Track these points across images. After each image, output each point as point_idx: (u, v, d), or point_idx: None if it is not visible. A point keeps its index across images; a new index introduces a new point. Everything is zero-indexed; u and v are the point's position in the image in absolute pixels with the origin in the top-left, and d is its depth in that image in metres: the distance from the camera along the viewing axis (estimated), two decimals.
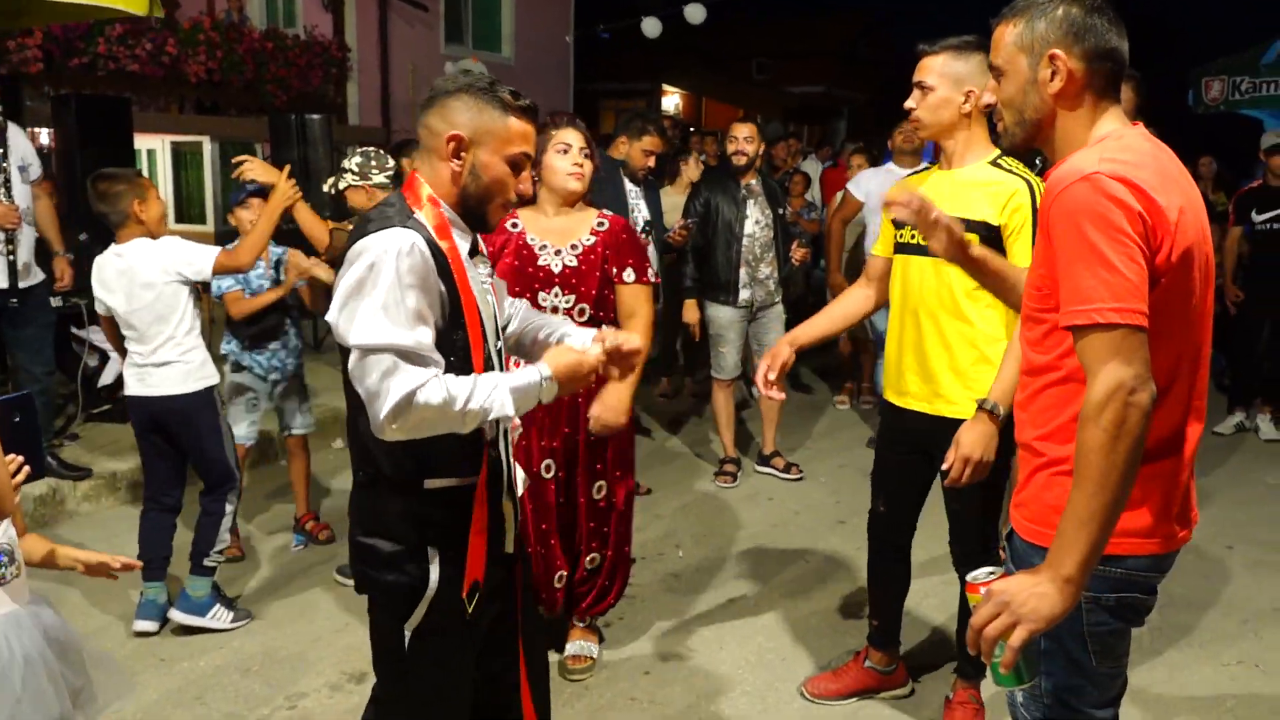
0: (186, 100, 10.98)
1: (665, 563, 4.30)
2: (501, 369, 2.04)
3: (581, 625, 3.47)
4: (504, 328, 2.18)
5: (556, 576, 3.32)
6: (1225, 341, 6.80)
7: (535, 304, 3.05)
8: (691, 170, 6.55)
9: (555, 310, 3.10)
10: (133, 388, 3.64)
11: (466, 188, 1.96)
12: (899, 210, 2.17)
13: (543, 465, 3.22)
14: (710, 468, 5.57)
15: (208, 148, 10.47)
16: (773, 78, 25.96)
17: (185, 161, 10.73)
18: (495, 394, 1.87)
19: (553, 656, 3.40)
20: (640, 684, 3.34)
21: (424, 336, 1.83)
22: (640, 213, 5.10)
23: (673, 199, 5.97)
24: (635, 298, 3.20)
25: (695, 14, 11.79)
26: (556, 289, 3.12)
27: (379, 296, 1.79)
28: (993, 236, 2.65)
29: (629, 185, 5.09)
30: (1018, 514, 1.86)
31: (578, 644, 3.43)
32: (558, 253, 3.13)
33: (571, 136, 3.11)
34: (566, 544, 3.33)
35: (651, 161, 5.13)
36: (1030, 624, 1.57)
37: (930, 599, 3.83)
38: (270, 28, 11.71)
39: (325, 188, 4.29)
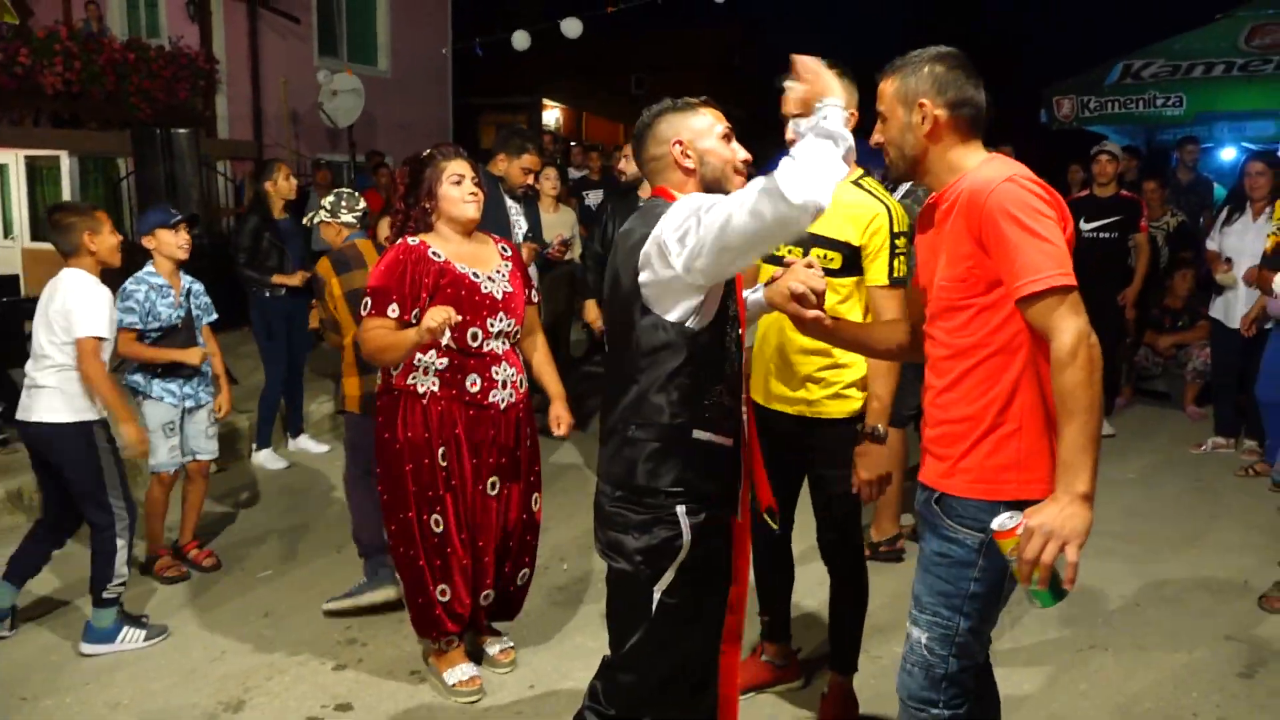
0: (43, 113, 10.50)
1: (550, 576, 4.33)
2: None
3: (489, 631, 3.58)
4: None
5: (483, 595, 3.37)
6: None
7: (485, 330, 3.17)
8: (546, 186, 6.59)
9: (501, 335, 3.22)
10: (19, 410, 3.61)
11: (704, 175, 2.30)
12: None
13: (489, 482, 3.28)
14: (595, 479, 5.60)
15: (65, 163, 10.04)
16: (651, 91, 26.22)
17: (41, 177, 10.24)
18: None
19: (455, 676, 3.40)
20: (525, 698, 3.36)
21: None
22: (519, 228, 5.15)
23: (548, 216, 6.04)
24: (533, 317, 3.51)
25: (571, 28, 11.84)
26: (501, 314, 3.22)
27: None
28: (854, 256, 2.82)
29: (509, 201, 5.13)
30: (959, 480, 2.10)
31: (498, 640, 3.57)
32: (490, 279, 3.23)
33: (462, 167, 3.23)
34: (498, 562, 3.39)
35: (531, 179, 5.19)
36: (1077, 540, 1.86)
37: (814, 593, 3.94)
38: (132, 38, 11.30)
39: (305, 221, 4.68)
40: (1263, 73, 9.40)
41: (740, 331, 2.36)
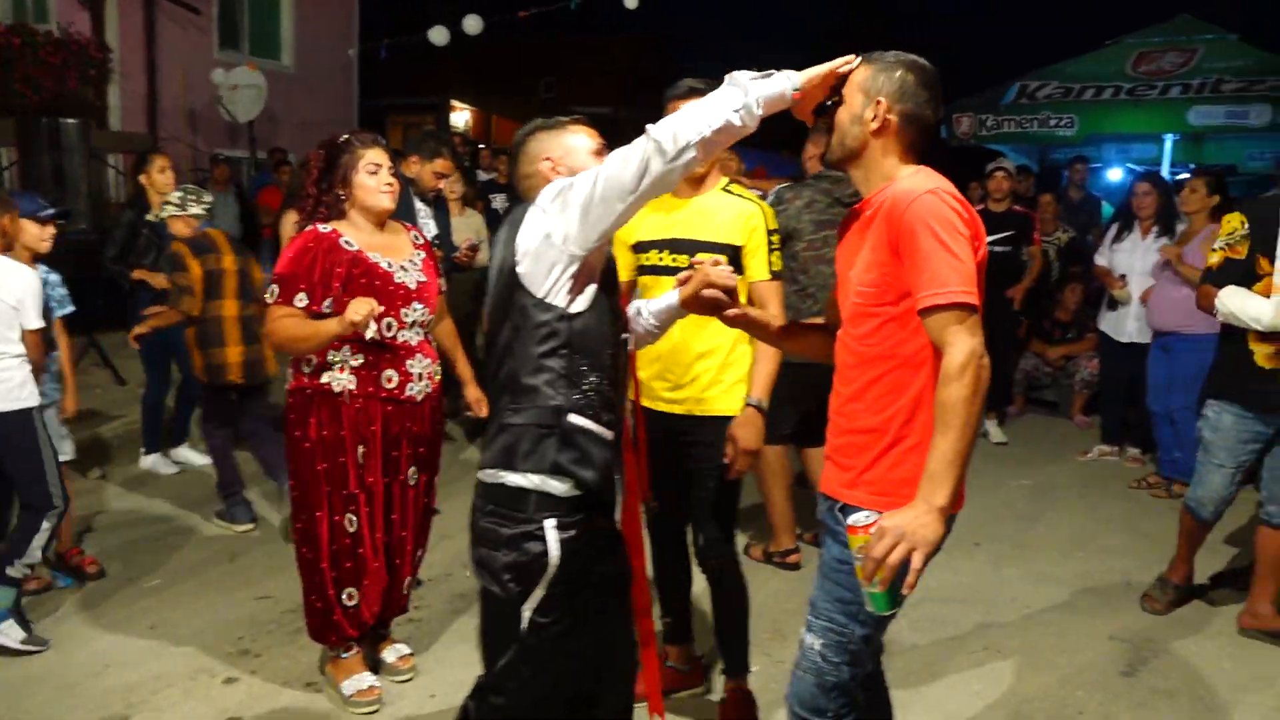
0: None
1: (452, 584, 4.26)
2: None
3: (386, 634, 3.52)
4: None
5: (407, 583, 3.38)
6: None
7: (399, 320, 3.15)
8: (449, 189, 6.49)
9: (415, 325, 3.19)
10: None
11: None
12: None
13: (409, 473, 3.25)
14: None
15: None
16: (560, 96, 26.20)
17: None
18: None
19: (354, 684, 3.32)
20: (426, 708, 3.30)
21: None
22: (429, 231, 5.07)
23: (455, 220, 5.97)
24: (443, 304, 3.54)
25: (473, 25, 11.73)
26: (415, 303, 3.19)
27: None
28: (736, 256, 2.97)
29: (418, 204, 5.06)
30: (861, 491, 2.12)
31: (392, 648, 3.51)
32: (404, 269, 3.19)
33: (380, 156, 3.18)
34: (414, 550, 3.38)
35: (442, 183, 5.13)
36: (924, 548, 1.88)
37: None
38: (18, 23, 10.80)
39: (150, 217, 5.20)
40: (1148, 98, 9.83)
41: (626, 334, 2.36)
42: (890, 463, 2.09)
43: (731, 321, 2.43)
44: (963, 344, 1.91)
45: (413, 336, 3.19)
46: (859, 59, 2.13)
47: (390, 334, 3.13)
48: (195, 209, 4.90)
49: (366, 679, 3.30)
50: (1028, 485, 5.86)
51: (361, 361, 3.11)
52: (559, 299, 2.15)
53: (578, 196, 2.08)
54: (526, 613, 2.16)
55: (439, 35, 11.91)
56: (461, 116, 22.24)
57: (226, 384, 4.82)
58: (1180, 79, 9.77)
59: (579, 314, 2.17)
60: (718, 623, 3.23)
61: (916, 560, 1.88)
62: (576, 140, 2.34)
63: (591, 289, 2.19)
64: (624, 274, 3.18)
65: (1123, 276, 6.09)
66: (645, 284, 3.11)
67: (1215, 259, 3.77)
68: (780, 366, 3.04)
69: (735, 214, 3.00)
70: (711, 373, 3.03)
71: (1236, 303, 3.64)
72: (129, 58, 12.01)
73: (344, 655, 3.31)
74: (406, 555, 3.34)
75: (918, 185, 2.03)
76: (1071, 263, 7.96)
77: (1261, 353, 3.66)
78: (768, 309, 2.92)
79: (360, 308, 2.89)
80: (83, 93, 11.30)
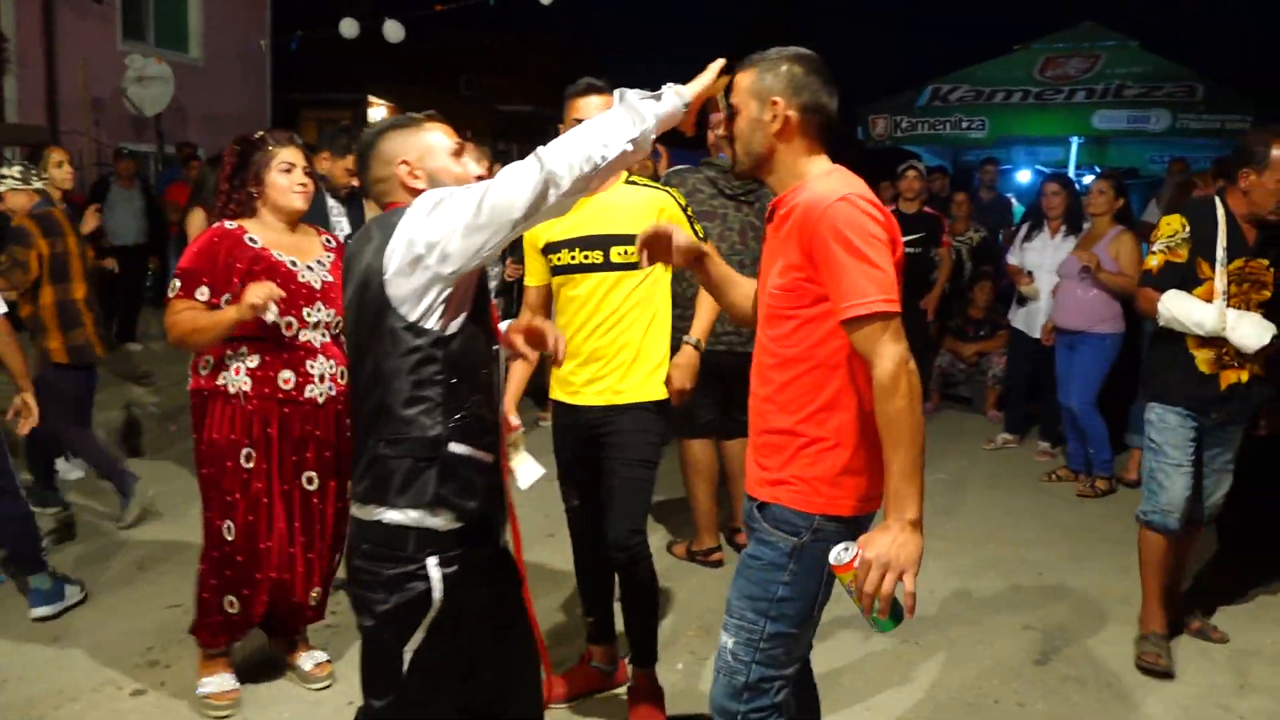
0: None
1: None
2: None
3: (301, 640, 3.44)
4: None
5: (313, 594, 3.27)
6: None
7: (301, 320, 3.07)
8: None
9: (319, 325, 3.12)
10: None
11: None
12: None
13: (304, 477, 3.17)
14: None
15: None
16: (481, 94, 25.97)
17: None
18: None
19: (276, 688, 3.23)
20: (345, 715, 3.22)
21: None
22: (342, 229, 4.98)
23: (371, 215, 5.87)
24: None
25: (394, 32, 11.50)
26: (319, 304, 3.13)
27: None
28: None
29: (330, 201, 4.96)
30: (780, 490, 2.10)
31: (312, 654, 3.42)
32: (309, 268, 3.14)
33: (294, 155, 3.12)
34: (321, 559, 3.29)
35: (355, 180, 5.03)
36: (911, 569, 1.87)
37: None
38: None
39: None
40: (1054, 102, 10.15)
41: (498, 348, 2.26)
42: (805, 462, 2.08)
43: (698, 261, 2.36)
44: (889, 353, 1.89)
45: (315, 337, 3.13)
46: (724, 62, 2.10)
47: (291, 333, 3.07)
48: (37, 184, 4.86)
49: (228, 680, 3.25)
50: (943, 479, 6.00)
51: (257, 362, 3.05)
52: (433, 323, 2.02)
53: (458, 215, 1.94)
54: (408, 654, 2.06)
55: (349, 28, 11.63)
56: (379, 113, 21.88)
57: (92, 363, 4.87)
58: (1085, 84, 10.10)
59: (454, 335, 2.05)
60: (625, 612, 3.21)
61: (908, 582, 1.87)
62: (434, 139, 2.20)
63: (466, 307, 2.08)
64: (538, 279, 3.20)
65: (1030, 273, 6.27)
66: (559, 283, 3.12)
67: (1155, 261, 3.67)
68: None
69: (644, 202, 3.07)
70: (627, 363, 3.07)
71: (1180, 307, 3.57)
72: (26, 46, 11.54)
73: (210, 653, 3.26)
74: (306, 562, 3.23)
75: (831, 190, 1.99)
76: (983, 262, 8.16)
77: (1202, 358, 3.60)
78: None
79: (259, 290, 2.83)
80: None
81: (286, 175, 3.09)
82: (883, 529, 1.90)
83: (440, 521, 2.04)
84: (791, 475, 2.09)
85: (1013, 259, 6.52)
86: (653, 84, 2.05)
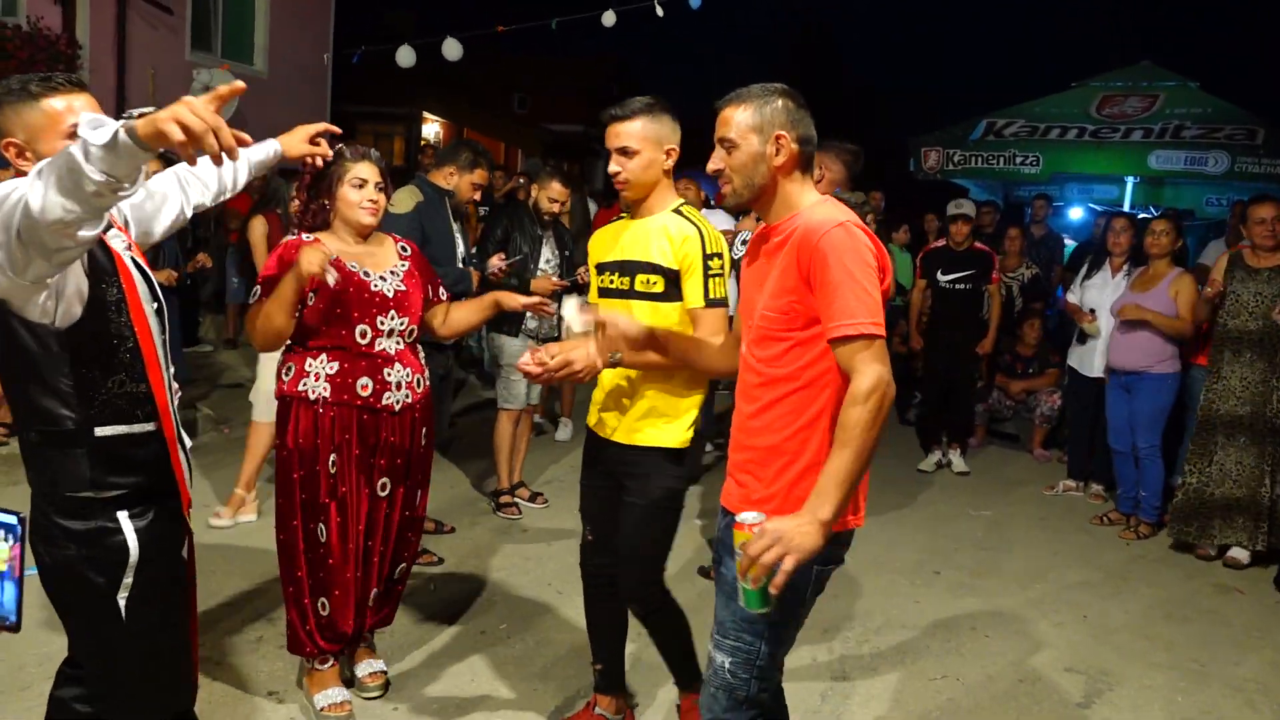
0: None
1: (417, 597, 4.24)
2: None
3: (365, 645, 3.47)
4: None
5: (371, 595, 3.31)
6: (917, 384, 7.57)
7: (375, 329, 3.13)
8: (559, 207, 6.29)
9: (394, 334, 3.18)
10: None
11: None
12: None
13: (379, 484, 3.23)
14: (476, 499, 5.57)
15: None
16: (532, 113, 26.25)
17: None
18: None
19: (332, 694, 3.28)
20: None
21: None
22: (459, 248, 4.91)
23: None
24: (439, 308, 3.46)
25: (452, 50, 11.69)
26: (393, 312, 3.18)
27: None
28: (674, 279, 2.88)
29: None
30: (765, 508, 2.12)
31: (367, 663, 3.46)
32: (382, 278, 3.19)
33: (368, 171, 3.17)
34: (383, 562, 3.34)
35: (478, 195, 5.10)
36: (798, 554, 1.90)
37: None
38: None
39: None
40: (1110, 140, 10.06)
41: (156, 303, 2.21)
42: (789, 481, 2.17)
43: (652, 344, 2.55)
44: (871, 370, 1.98)
45: (391, 345, 3.18)
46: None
47: (365, 341, 3.13)
48: None
49: (339, 693, 3.27)
50: (988, 516, 5.94)
51: (336, 369, 3.11)
52: (49, 319, 1.98)
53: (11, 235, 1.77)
54: (121, 601, 2.13)
55: (406, 56, 11.89)
56: (432, 128, 22.20)
57: None
58: (1142, 123, 10.01)
59: (72, 327, 2.00)
60: (661, 649, 3.12)
61: (788, 564, 1.90)
62: (51, 109, 2.00)
63: (82, 293, 2.00)
64: (592, 297, 3.13)
65: (1092, 311, 6.17)
66: (602, 307, 3.00)
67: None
68: None
69: (671, 236, 2.88)
70: (648, 403, 2.91)
71: None
72: (99, 55, 11.87)
73: (319, 667, 3.27)
74: (373, 567, 3.30)
75: (828, 217, 2.10)
76: (1034, 298, 8.11)
77: None
78: (703, 336, 2.81)
79: (312, 255, 2.86)
80: None
81: (358, 190, 3.15)
82: (794, 514, 1.96)
83: (113, 492, 2.10)
84: (775, 492, 2.18)
85: (1072, 297, 6.43)
86: (695, 108, 2.11)
